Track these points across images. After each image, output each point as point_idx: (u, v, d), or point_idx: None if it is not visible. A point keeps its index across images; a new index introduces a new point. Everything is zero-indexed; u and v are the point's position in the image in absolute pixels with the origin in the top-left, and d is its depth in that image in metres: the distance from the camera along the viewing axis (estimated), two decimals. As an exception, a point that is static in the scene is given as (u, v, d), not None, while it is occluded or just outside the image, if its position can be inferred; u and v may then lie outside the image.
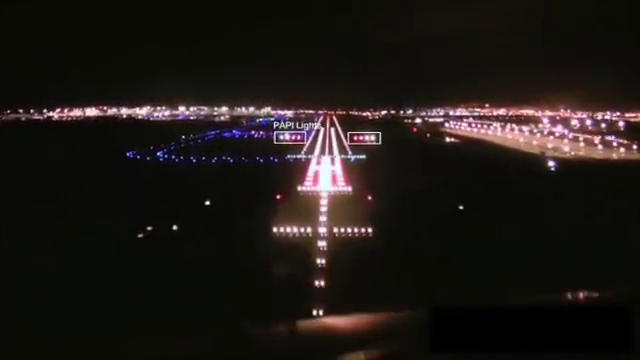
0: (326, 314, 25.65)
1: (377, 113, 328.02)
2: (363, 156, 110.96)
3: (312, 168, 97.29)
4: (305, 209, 61.18)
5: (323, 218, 57.82)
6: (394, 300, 23.74)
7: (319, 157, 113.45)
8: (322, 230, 52.76)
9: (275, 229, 52.12)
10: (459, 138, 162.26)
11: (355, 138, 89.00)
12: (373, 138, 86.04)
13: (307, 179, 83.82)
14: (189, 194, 70.30)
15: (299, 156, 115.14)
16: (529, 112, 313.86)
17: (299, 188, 75.63)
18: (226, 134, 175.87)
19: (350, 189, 75.52)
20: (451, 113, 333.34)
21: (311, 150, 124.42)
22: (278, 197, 68.56)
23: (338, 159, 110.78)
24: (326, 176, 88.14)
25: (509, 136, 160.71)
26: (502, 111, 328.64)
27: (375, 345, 8.95)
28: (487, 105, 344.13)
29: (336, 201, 67.39)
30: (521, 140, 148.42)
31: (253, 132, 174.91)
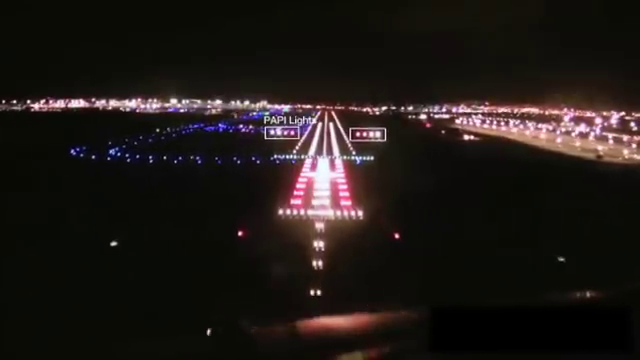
0: (326, 314, 18.60)
1: (377, 109, 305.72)
2: (370, 157, 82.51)
3: (305, 175, 67.69)
4: (282, 264, 31.46)
5: (315, 292, 28.03)
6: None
7: (315, 158, 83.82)
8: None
9: (208, 332, 22.65)
10: (479, 136, 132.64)
11: (358, 134, 69.91)
12: (378, 134, 67.84)
13: (296, 194, 54.19)
14: (98, 223, 40.48)
15: (290, 156, 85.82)
16: (532, 110, 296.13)
17: (280, 212, 46.16)
18: (209, 128, 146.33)
19: (360, 214, 46.03)
20: (454, 110, 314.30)
21: (305, 149, 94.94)
22: (240, 233, 38.82)
23: (340, 162, 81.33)
24: (324, 189, 58.40)
25: (542, 136, 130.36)
26: (503, 109, 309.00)
27: (375, 345, 8.05)
28: (487, 103, 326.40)
29: (340, 243, 37.50)
30: (558, 140, 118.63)
31: (241, 126, 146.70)
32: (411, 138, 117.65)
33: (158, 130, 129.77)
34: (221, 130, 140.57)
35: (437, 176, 62.94)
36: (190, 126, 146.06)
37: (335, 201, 51.62)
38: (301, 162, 79.83)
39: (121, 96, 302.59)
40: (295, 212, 46.62)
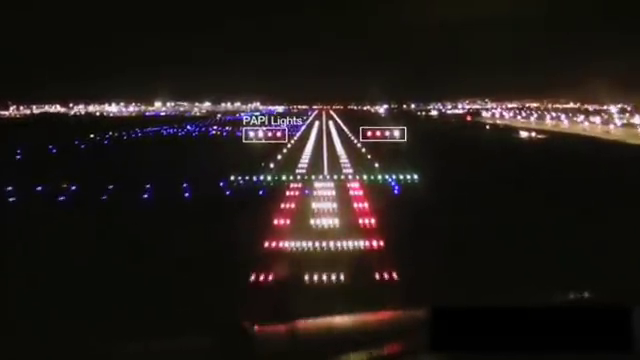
0: (326, 314, 9.69)
1: (379, 107, 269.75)
2: (413, 176, 41.43)
3: (280, 249, 24.62)
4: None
5: None
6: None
7: (309, 182, 41.16)
8: None
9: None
10: (541, 133, 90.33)
11: (369, 134, 50.96)
12: (397, 134, 48.99)
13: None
14: None
15: (262, 177, 43.33)
16: (533, 104, 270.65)
17: None
18: (169, 130, 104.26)
19: None
20: (460, 106, 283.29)
21: (294, 160, 52.85)
22: None
23: (357, 189, 38.67)
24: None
25: (637, 132, 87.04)
26: (509, 104, 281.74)
27: (375, 345, 6.25)
28: (487, 100, 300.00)
29: None
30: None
31: (213, 128, 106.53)
32: (454, 139, 75.47)
33: (92, 136, 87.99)
34: (182, 134, 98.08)
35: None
36: (145, 129, 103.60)
37: None
38: (280, 192, 37.53)
39: (101, 100, 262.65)
40: None
